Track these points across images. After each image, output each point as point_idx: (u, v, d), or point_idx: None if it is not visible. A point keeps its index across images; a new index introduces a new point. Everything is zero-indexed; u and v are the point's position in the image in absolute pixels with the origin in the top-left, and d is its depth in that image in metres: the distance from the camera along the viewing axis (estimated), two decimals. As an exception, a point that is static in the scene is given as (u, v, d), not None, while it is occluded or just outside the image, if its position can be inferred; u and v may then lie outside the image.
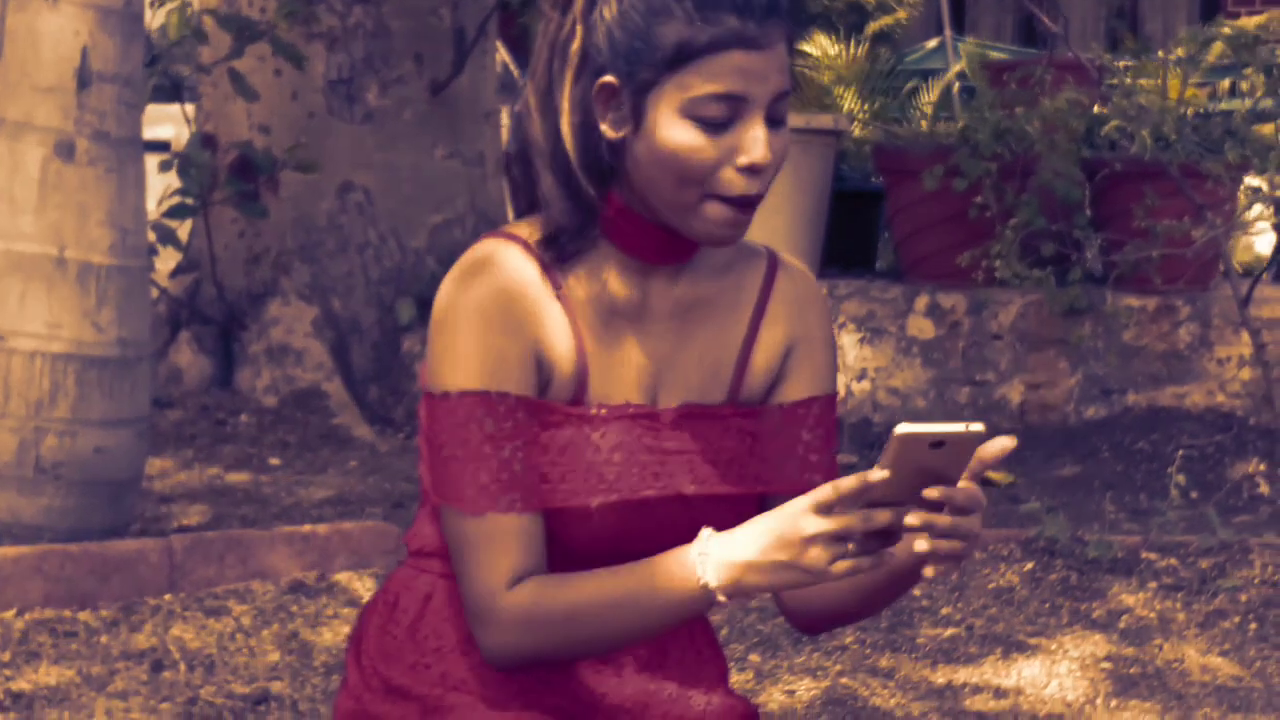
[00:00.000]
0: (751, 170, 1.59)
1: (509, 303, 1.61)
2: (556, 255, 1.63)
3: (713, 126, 1.58)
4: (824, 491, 1.50)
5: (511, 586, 1.60)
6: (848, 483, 1.48)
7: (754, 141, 1.59)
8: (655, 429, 1.65)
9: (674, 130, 1.59)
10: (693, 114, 1.58)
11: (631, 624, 1.59)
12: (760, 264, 1.73)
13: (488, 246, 1.64)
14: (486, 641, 1.62)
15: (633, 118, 1.60)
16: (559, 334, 1.63)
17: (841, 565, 1.49)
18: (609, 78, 1.60)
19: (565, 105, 1.61)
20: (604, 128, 1.61)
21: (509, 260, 1.62)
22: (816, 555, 1.50)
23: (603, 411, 1.64)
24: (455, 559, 1.63)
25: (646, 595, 1.57)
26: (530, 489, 1.61)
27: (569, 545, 1.64)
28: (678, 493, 1.64)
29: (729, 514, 1.65)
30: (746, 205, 1.61)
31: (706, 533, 1.56)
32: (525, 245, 1.64)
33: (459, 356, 1.60)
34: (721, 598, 1.55)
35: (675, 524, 1.63)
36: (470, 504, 1.60)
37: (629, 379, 1.66)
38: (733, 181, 1.60)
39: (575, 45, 1.61)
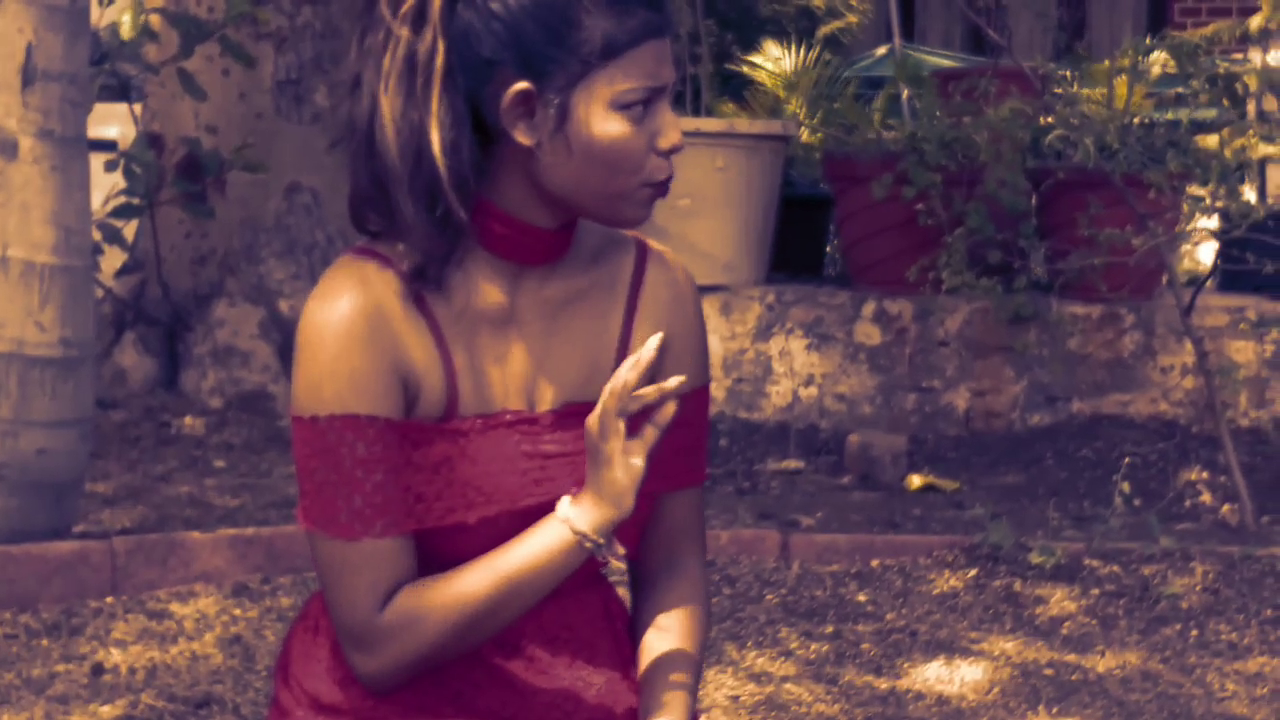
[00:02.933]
0: (672, 153, 1.62)
1: (372, 323, 1.59)
2: (425, 284, 1.61)
3: (636, 116, 1.59)
4: (605, 402, 1.59)
5: (383, 606, 1.61)
6: (616, 382, 1.58)
7: (671, 125, 1.62)
8: (534, 433, 1.64)
9: (609, 124, 1.59)
10: (621, 105, 1.59)
11: (515, 602, 1.61)
12: (630, 252, 1.73)
13: (347, 265, 1.61)
14: (366, 667, 1.62)
15: (553, 119, 1.58)
16: (424, 350, 1.61)
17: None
18: (523, 84, 1.58)
19: (434, 124, 1.57)
20: (516, 135, 1.59)
21: (369, 278, 1.60)
22: (613, 447, 1.58)
23: (478, 423, 1.63)
24: (325, 584, 1.62)
25: (525, 568, 1.60)
26: (405, 511, 1.60)
27: (450, 561, 1.63)
28: (559, 497, 1.64)
29: None
30: (667, 186, 1.64)
31: (564, 500, 1.62)
32: (385, 260, 1.61)
33: (324, 380, 1.58)
34: (597, 540, 1.60)
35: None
36: (345, 529, 1.59)
37: (506, 385, 1.65)
38: (659, 166, 1.62)
39: (440, 60, 1.57)
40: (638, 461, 1.58)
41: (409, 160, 1.58)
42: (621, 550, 1.61)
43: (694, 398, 1.73)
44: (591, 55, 1.57)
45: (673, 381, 1.58)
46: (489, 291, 1.64)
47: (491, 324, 1.64)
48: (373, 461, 1.58)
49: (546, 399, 1.66)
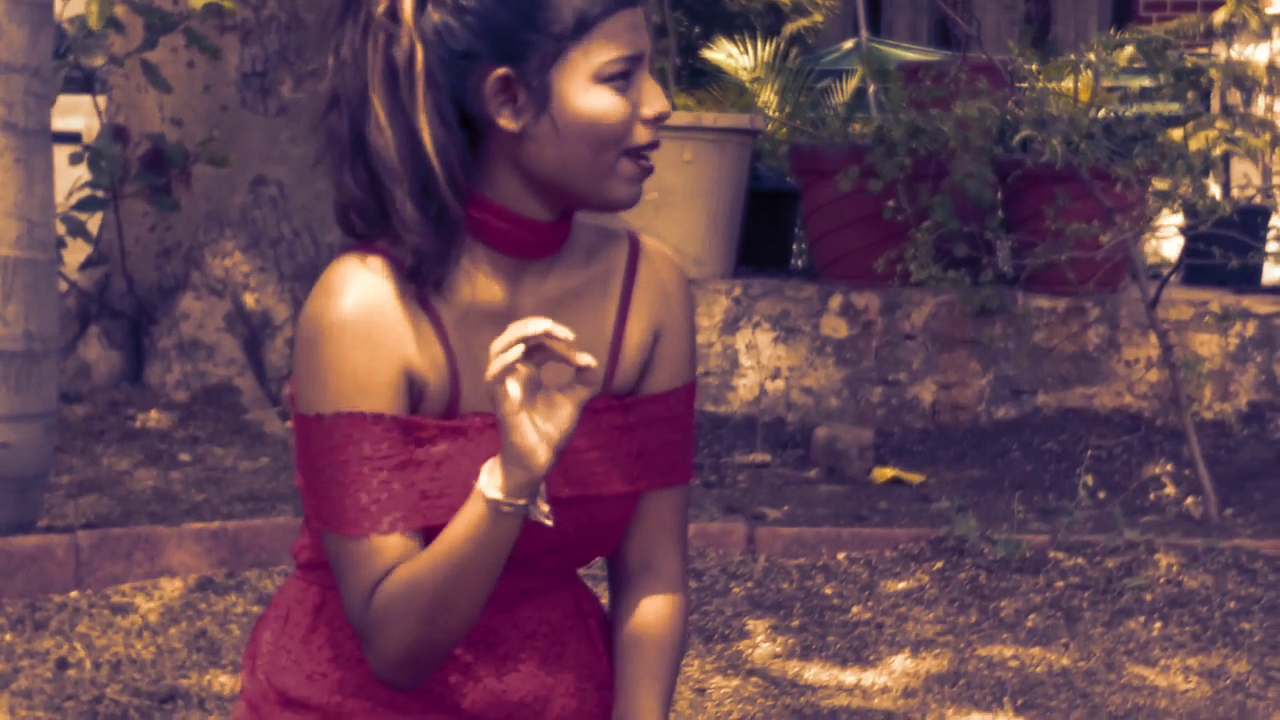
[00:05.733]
0: (658, 120, 1.63)
1: (375, 319, 1.59)
2: (423, 283, 1.61)
3: (620, 86, 1.60)
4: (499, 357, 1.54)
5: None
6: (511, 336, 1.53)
7: (654, 93, 1.63)
8: None
9: (592, 98, 1.60)
10: (603, 77, 1.60)
11: (468, 579, 1.58)
12: (623, 246, 1.73)
13: (349, 263, 1.61)
14: (373, 663, 1.62)
15: (535, 101, 1.59)
16: (427, 346, 1.61)
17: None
18: (502, 70, 1.59)
19: (424, 121, 1.58)
20: (501, 122, 1.60)
21: (371, 275, 1.60)
22: (507, 410, 1.53)
23: (477, 420, 1.63)
24: (339, 581, 1.63)
25: (459, 545, 1.57)
26: (410, 508, 1.60)
27: None
28: (553, 497, 1.63)
29: (605, 514, 1.67)
30: (650, 157, 1.65)
31: (484, 468, 1.58)
32: (387, 256, 1.62)
33: (329, 377, 1.58)
34: (513, 503, 1.56)
35: (553, 528, 1.63)
36: (351, 526, 1.59)
37: None
38: (642, 135, 1.63)
39: (419, 63, 1.58)
40: (559, 421, 1.54)
41: (406, 161, 1.59)
42: (546, 508, 1.57)
43: (681, 394, 1.72)
44: (564, 32, 1.59)
45: (583, 359, 1.55)
46: (490, 289, 1.64)
47: (493, 321, 1.64)
48: (378, 458, 1.59)
49: None
